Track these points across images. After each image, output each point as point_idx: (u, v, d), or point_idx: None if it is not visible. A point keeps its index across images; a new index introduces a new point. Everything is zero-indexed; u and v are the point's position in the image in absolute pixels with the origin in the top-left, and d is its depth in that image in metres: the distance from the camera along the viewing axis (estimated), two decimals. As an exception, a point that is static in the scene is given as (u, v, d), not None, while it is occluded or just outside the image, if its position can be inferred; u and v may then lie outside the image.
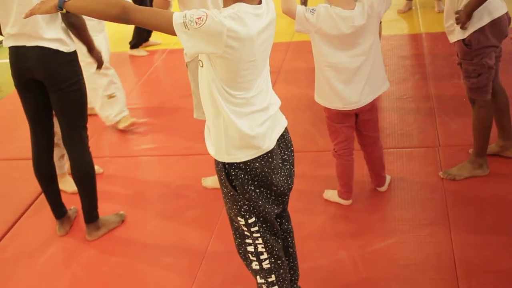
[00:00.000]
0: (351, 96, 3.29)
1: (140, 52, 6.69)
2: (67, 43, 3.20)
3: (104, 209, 3.64)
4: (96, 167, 4.27)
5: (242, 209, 2.38)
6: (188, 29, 2.07)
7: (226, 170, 2.33)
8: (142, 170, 4.37)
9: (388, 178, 3.73)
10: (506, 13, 3.44)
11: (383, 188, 3.71)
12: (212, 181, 3.95)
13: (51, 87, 3.24)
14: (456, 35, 3.46)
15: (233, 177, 2.32)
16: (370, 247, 3.26)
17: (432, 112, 4.53)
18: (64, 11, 2.25)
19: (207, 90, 2.25)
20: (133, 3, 2.17)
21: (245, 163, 2.31)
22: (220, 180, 2.40)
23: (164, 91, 5.71)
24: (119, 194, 4.07)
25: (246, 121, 2.27)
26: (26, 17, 2.44)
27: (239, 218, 2.41)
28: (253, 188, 2.34)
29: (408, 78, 5.21)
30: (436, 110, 4.54)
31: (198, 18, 2.06)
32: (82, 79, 3.33)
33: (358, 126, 3.49)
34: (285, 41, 6.32)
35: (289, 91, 5.08)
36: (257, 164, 2.31)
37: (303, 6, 3.16)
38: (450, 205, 3.50)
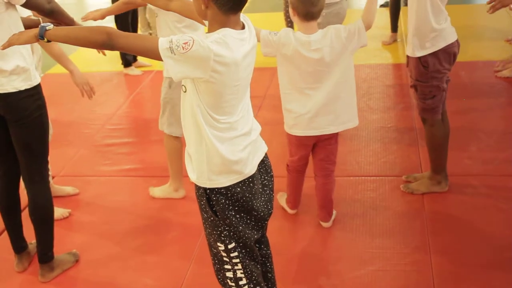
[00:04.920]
0: (307, 123, 3.37)
1: (134, 71, 6.66)
2: (30, 77, 3.02)
3: (85, 226, 3.61)
4: (71, 188, 4.26)
5: (222, 235, 2.37)
6: (175, 54, 2.06)
7: (207, 196, 2.33)
8: (125, 190, 4.35)
9: (334, 213, 3.70)
10: (457, 40, 3.61)
11: (327, 224, 3.66)
12: (160, 191, 4.09)
13: (12, 122, 3.06)
14: (413, 51, 3.60)
15: (214, 203, 2.32)
16: (351, 273, 3.26)
17: (415, 142, 4.57)
18: (46, 40, 2.22)
19: (190, 116, 2.25)
20: (117, 29, 2.16)
21: (226, 188, 2.30)
22: (200, 205, 2.39)
23: (149, 111, 5.70)
24: (101, 212, 4.05)
25: (228, 146, 2.27)
26: (3, 48, 2.38)
27: (218, 244, 2.40)
28: (233, 213, 2.33)
29: (393, 107, 5.25)
30: (419, 140, 4.57)
31: (184, 43, 2.06)
32: (45, 112, 3.15)
33: (314, 153, 3.54)
34: (271, 67, 6.33)
35: (274, 116, 5.08)
36: (238, 189, 2.31)
37: (267, 30, 3.30)
38: (431, 234, 3.51)
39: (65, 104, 5.80)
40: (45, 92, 3.15)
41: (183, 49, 2.05)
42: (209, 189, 2.31)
